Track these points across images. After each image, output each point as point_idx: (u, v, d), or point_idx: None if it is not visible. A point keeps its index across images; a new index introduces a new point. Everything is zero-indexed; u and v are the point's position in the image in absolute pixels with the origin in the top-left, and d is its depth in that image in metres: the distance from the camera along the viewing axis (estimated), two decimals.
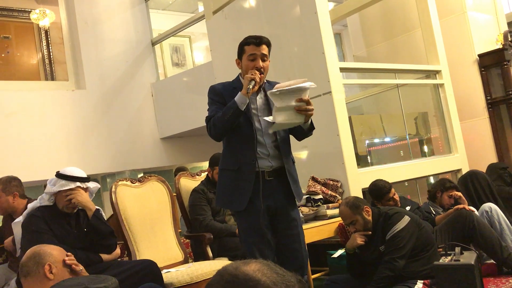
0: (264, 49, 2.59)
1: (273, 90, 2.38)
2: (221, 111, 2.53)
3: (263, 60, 2.58)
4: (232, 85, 2.66)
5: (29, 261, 1.94)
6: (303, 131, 2.64)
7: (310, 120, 2.55)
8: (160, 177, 3.61)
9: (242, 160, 2.56)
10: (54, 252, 1.99)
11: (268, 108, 2.63)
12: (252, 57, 2.57)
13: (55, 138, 6.04)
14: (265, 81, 2.67)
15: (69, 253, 2.08)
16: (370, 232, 3.05)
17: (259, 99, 2.64)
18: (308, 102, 2.43)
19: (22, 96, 5.94)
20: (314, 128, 2.64)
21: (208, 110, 2.65)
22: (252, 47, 2.57)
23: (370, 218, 3.06)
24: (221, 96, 2.62)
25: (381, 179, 3.77)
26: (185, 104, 6.61)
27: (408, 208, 3.66)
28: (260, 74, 2.53)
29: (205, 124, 2.63)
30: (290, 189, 2.63)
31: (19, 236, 2.84)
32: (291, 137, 2.73)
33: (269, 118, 2.48)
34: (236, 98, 2.48)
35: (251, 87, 2.45)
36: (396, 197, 3.68)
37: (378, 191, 3.69)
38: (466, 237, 3.32)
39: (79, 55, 6.54)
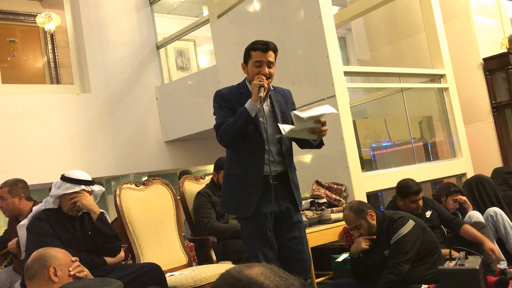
0: (271, 55, 2.58)
1: (299, 114, 2.36)
2: (230, 118, 2.52)
3: (269, 67, 2.57)
4: (238, 90, 2.66)
5: (34, 263, 1.95)
6: (311, 145, 2.65)
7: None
8: (165, 180, 3.61)
9: (250, 167, 2.57)
10: (59, 255, 2.00)
11: (274, 115, 2.64)
12: (258, 63, 2.56)
13: (60, 141, 6.06)
14: (271, 87, 2.67)
15: (74, 258, 2.08)
16: (375, 237, 3.05)
17: (265, 106, 2.63)
18: (323, 124, 2.45)
19: (27, 99, 5.97)
20: (323, 145, 2.65)
21: (214, 115, 2.65)
22: (258, 53, 2.56)
23: (374, 222, 3.06)
24: (228, 101, 2.62)
25: (414, 180, 3.62)
26: (190, 108, 6.63)
27: (429, 213, 3.58)
28: (266, 80, 2.53)
29: (209, 127, 2.65)
30: (292, 193, 2.65)
31: (24, 239, 2.85)
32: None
33: (282, 128, 2.47)
34: (246, 105, 2.48)
35: (262, 94, 2.46)
36: (421, 203, 3.54)
37: (406, 189, 3.53)
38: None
39: (84, 59, 6.57)
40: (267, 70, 2.55)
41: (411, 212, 3.46)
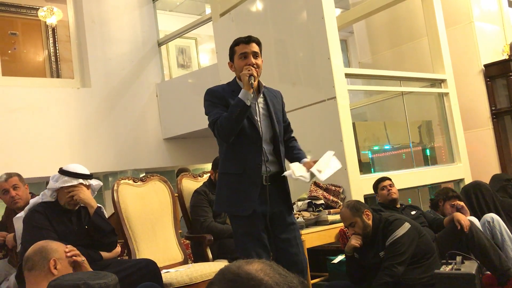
0: (254, 47, 2.55)
1: (319, 176, 2.55)
2: (225, 113, 2.48)
3: (255, 58, 2.54)
4: (230, 88, 2.61)
5: (35, 255, 1.95)
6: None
7: None
8: (162, 177, 3.61)
9: (247, 163, 2.51)
10: (59, 249, 2.01)
11: (268, 114, 2.61)
12: (243, 55, 2.54)
13: (59, 135, 6.05)
14: (263, 85, 2.64)
15: (68, 245, 2.07)
16: (366, 233, 3.05)
17: (260, 103, 2.59)
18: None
19: (27, 92, 5.96)
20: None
21: (208, 113, 2.58)
22: (242, 46, 2.55)
23: (370, 222, 3.06)
24: (222, 99, 2.56)
25: None
26: (190, 106, 6.62)
27: (414, 212, 3.69)
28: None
29: (208, 126, 2.61)
30: (286, 194, 2.64)
31: (20, 232, 2.84)
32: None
33: (288, 173, 2.54)
34: (240, 95, 2.43)
35: (252, 81, 2.42)
36: (393, 189, 3.78)
37: (376, 183, 3.90)
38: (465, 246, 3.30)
39: (85, 54, 6.56)
40: (253, 60, 2.52)
41: (385, 199, 3.76)
